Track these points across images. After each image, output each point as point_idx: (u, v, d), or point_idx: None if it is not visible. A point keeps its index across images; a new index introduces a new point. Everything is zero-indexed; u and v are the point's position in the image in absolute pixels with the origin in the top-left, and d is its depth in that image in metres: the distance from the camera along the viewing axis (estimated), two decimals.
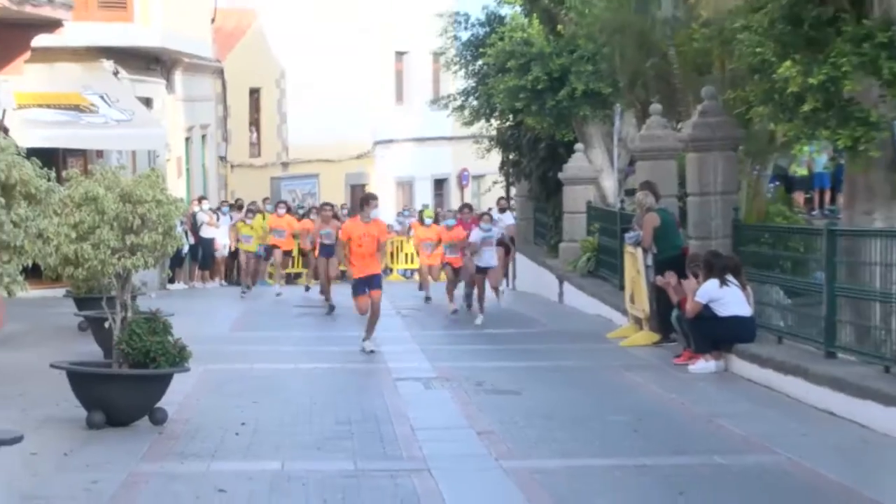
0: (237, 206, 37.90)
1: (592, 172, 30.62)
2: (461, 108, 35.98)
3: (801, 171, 30.23)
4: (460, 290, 27.55)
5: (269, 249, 32.87)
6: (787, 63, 17.75)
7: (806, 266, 17.82)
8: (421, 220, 35.25)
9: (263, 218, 33.85)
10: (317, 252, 28.95)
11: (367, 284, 20.16)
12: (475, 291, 26.27)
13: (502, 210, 32.32)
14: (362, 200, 22.00)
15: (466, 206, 31.86)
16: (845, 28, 17.53)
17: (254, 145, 49.61)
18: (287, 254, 30.87)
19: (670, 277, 18.77)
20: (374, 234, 20.31)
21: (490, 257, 25.20)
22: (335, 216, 29.63)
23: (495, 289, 26.21)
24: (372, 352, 19.42)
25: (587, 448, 12.56)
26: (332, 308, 27.51)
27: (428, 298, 31.00)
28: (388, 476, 11.17)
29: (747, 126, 20.54)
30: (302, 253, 31.27)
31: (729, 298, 17.15)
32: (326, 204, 30.56)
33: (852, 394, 13.96)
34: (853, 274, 15.80)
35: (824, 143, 19.25)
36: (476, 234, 25.25)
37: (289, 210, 31.98)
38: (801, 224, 24.42)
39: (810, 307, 16.41)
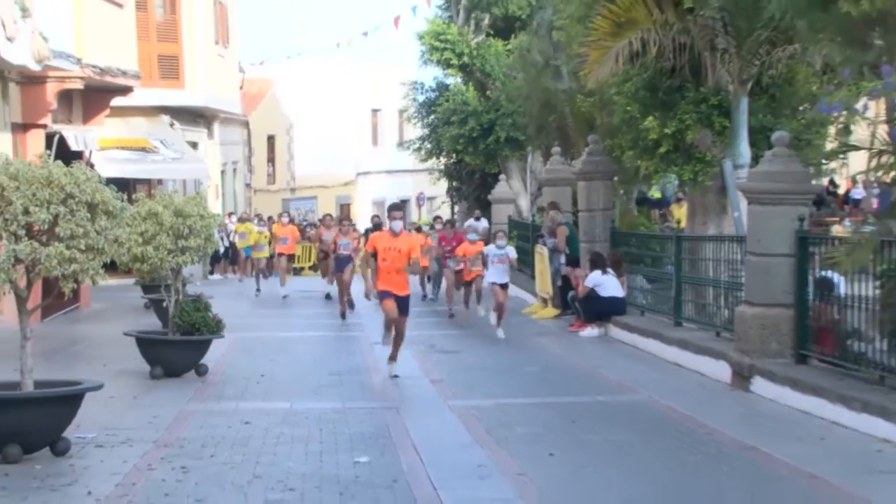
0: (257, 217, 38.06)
1: (512, 195, 30.65)
2: (419, 149, 36.02)
3: (657, 194, 30.46)
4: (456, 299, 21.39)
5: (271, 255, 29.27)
6: (648, 119, 17.99)
7: (661, 261, 18.14)
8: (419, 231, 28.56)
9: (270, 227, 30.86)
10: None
11: (392, 297, 13.87)
12: (470, 293, 20.36)
13: (477, 219, 27.84)
14: (388, 210, 15.95)
15: (448, 223, 26.48)
16: (688, 94, 17.83)
17: (270, 175, 49.60)
18: (290, 258, 27.36)
19: (576, 270, 19.18)
20: (401, 250, 13.99)
21: (502, 273, 18.93)
22: (376, 228, 23.96)
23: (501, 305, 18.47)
24: (396, 376, 13.67)
25: (509, 391, 12.72)
26: (328, 296, 23.76)
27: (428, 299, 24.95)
28: (367, 412, 11.36)
29: (620, 163, 20.75)
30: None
31: (608, 284, 17.55)
32: (327, 215, 25.94)
33: (693, 351, 14.22)
34: (693, 267, 16.08)
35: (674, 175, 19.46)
36: (490, 251, 19.36)
37: (291, 221, 29.53)
38: (657, 232, 24.67)
39: (664, 290, 16.69)
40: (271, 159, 50.04)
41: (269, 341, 16.99)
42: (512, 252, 19.78)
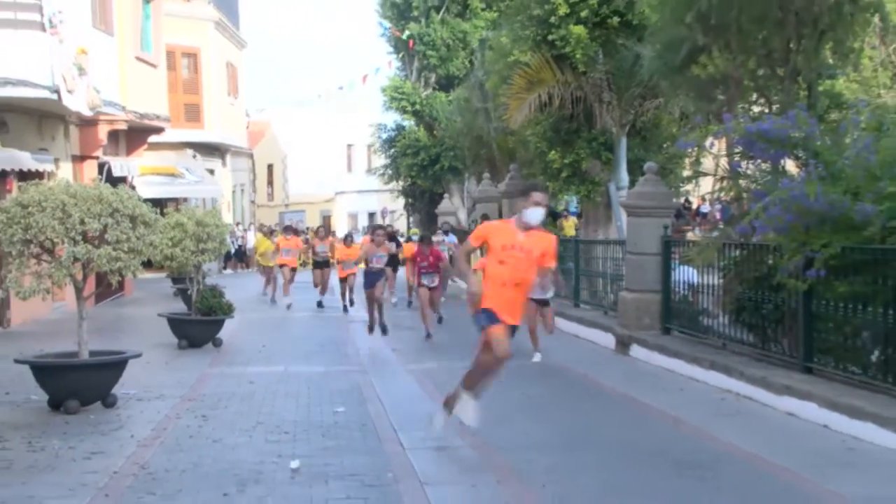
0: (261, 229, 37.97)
1: (453, 209, 30.69)
2: (383, 174, 35.89)
3: (561, 208, 30.62)
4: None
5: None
6: (553, 152, 18.17)
7: (564, 259, 18.09)
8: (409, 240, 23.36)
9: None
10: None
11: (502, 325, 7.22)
12: None
13: (446, 232, 22.51)
14: (524, 192, 7.60)
15: (424, 238, 17.48)
16: (582, 134, 18.06)
17: (269, 194, 49.87)
18: (293, 270, 21.47)
19: None
20: (531, 252, 7.25)
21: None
22: (391, 238, 19.66)
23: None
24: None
25: (452, 357, 12.26)
26: (320, 305, 19.88)
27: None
28: (343, 374, 11.32)
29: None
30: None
31: None
32: (379, 227, 19.96)
33: (587, 325, 14.37)
34: (588, 263, 16.19)
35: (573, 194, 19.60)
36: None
37: (296, 232, 23.64)
38: (561, 237, 24.80)
39: (567, 281, 16.77)
40: (270, 182, 50.57)
41: (268, 321, 16.91)
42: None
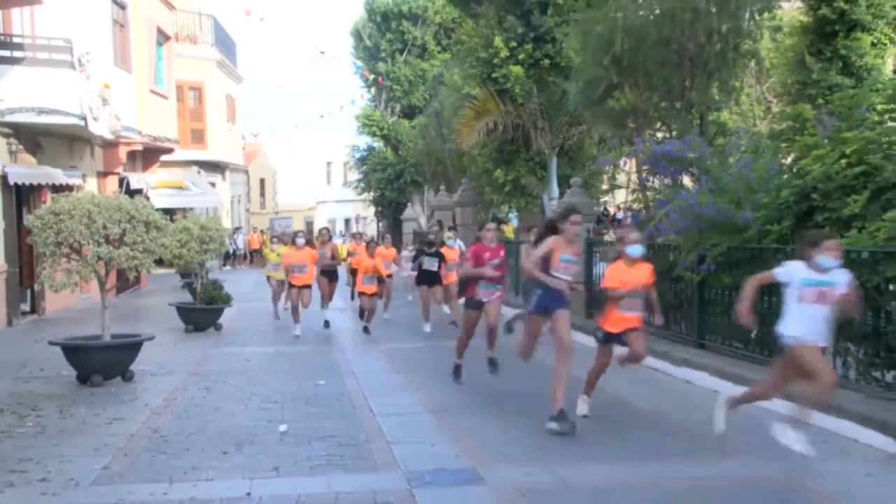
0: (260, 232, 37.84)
1: (415, 216, 30.64)
2: (356, 187, 35.75)
3: (502, 216, 30.63)
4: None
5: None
6: (498, 170, 18.19)
7: (508, 258, 18.11)
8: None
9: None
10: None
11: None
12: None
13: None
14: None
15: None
16: (522, 154, 18.09)
17: (261, 203, 49.36)
18: (307, 288, 13.28)
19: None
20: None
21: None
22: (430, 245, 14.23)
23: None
24: None
25: (411, 338, 12.58)
26: (327, 325, 13.63)
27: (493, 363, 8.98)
28: (324, 352, 11.21)
29: (482, 197, 20.91)
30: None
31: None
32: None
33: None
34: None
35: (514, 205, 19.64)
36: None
37: (308, 242, 13.99)
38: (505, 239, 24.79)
39: (510, 277, 16.73)
40: (262, 193, 50.10)
41: (262, 309, 16.64)
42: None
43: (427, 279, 13.40)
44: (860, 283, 6.76)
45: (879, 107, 8.27)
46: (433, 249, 13.82)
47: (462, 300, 9.22)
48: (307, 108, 72.82)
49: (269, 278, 15.75)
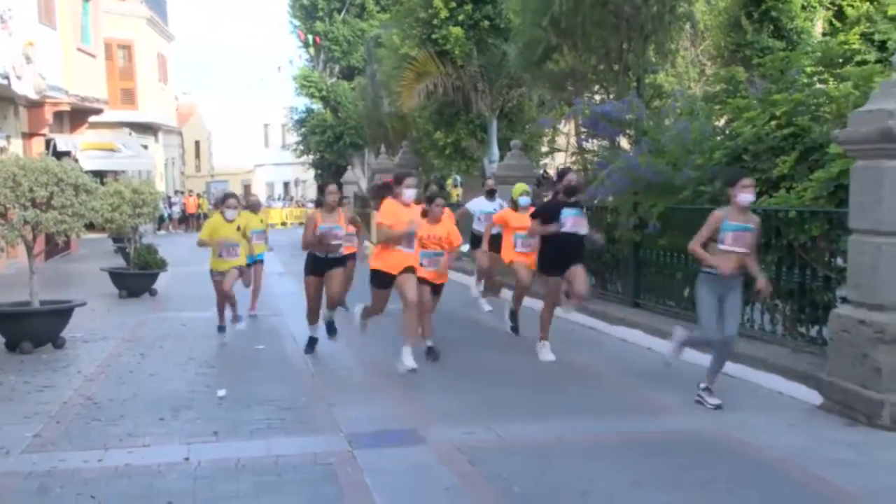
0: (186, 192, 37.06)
1: (356, 179, 30.37)
2: (295, 149, 35.19)
3: (449, 181, 30.56)
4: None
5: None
6: (438, 132, 18.09)
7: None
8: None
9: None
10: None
11: None
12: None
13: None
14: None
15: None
16: (462, 117, 17.99)
17: (197, 167, 48.23)
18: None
19: None
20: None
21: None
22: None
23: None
24: None
25: (357, 300, 12.47)
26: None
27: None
28: (263, 317, 11.01)
29: (423, 159, 20.79)
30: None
31: None
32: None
33: (469, 274, 14.45)
34: (468, 223, 16.15)
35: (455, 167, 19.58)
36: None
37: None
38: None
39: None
40: (198, 155, 48.94)
41: (198, 273, 16.30)
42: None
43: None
44: (787, 242, 7.01)
45: (808, 69, 8.48)
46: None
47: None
48: (243, 69, 70.99)
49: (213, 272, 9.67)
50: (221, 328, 9.71)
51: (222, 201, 9.74)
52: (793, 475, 4.69)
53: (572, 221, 7.66)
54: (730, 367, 7.13)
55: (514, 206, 9.17)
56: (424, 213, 7.77)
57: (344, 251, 8.46)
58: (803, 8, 15.56)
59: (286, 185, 51.77)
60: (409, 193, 7.45)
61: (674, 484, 4.54)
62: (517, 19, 13.99)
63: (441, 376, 7.38)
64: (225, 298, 9.56)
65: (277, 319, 10.86)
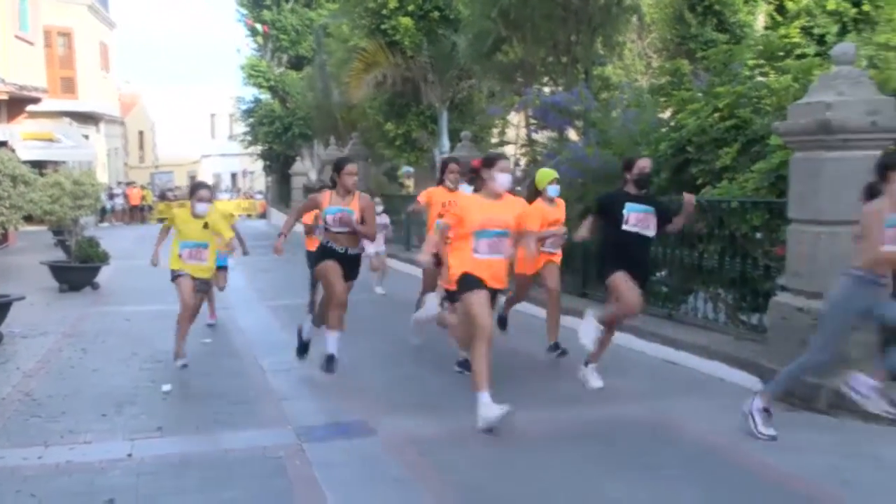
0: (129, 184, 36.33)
1: (304, 170, 30.10)
2: (243, 140, 34.71)
3: (401, 172, 30.46)
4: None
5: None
6: (388, 123, 18.03)
7: (398, 211, 18.02)
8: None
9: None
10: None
11: None
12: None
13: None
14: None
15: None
16: (412, 108, 17.96)
17: (140, 157, 47.26)
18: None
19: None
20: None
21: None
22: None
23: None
24: None
25: (293, 294, 12.20)
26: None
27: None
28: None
29: (373, 150, 20.69)
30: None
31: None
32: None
33: (410, 262, 14.44)
34: (418, 214, 16.13)
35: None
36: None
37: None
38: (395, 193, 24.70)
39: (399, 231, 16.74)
40: (141, 146, 47.97)
41: (142, 267, 15.97)
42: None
43: None
44: (730, 232, 7.16)
45: (750, 62, 8.66)
46: None
47: None
48: (189, 57, 69.73)
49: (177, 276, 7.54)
50: (184, 365, 7.14)
51: (192, 192, 7.49)
52: (735, 460, 4.81)
53: (636, 218, 6.15)
54: (672, 354, 7.30)
55: (534, 195, 7.07)
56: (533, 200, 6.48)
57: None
58: (745, 2, 15.91)
59: (234, 176, 51.05)
60: (503, 180, 5.55)
61: (620, 470, 4.62)
62: (467, 10, 14.03)
63: (392, 368, 7.38)
64: (192, 314, 7.31)
65: (226, 313, 10.68)
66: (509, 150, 19.04)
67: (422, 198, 7.92)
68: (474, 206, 5.57)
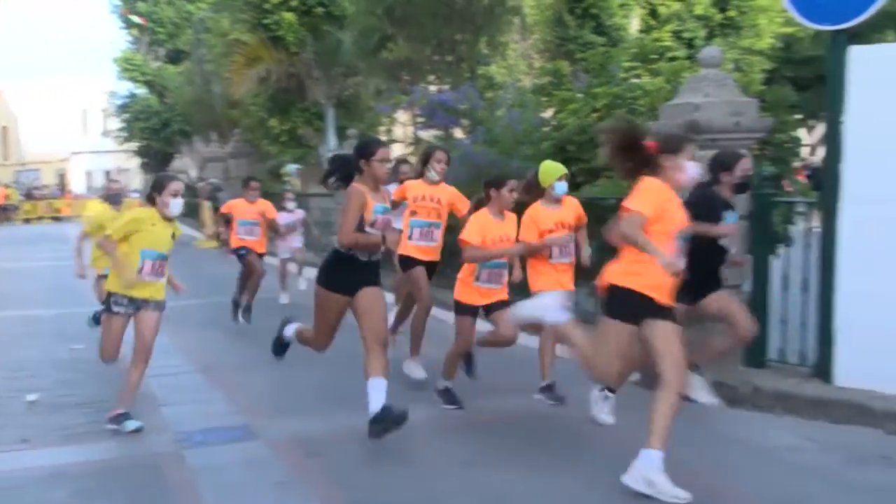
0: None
1: (185, 168, 29.28)
2: (118, 136, 33.30)
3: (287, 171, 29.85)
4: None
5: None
6: (273, 120, 17.73)
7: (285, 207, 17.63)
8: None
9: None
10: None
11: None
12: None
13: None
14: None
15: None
16: (298, 105, 17.78)
17: (4, 155, 44.71)
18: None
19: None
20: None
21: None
22: None
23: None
24: None
25: (174, 297, 11.97)
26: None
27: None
28: (81, 315, 9.91)
29: (257, 148, 20.20)
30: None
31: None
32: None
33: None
34: (309, 212, 15.89)
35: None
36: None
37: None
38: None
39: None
40: (4, 143, 45.21)
41: (7, 270, 15.13)
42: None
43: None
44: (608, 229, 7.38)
45: (626, 64, 9.02)
46: None
47: None
48: (57, 50, 66.19)
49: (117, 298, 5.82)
50: (135, 424, 5.40)
51: (158, 187, 5.53)
52: (620, 447, 4.98)
53: (732, 230, 5.13)
54: (560, 348, 7.48)
55: (536, 193, 5.72)
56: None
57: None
58: (620, 6, 16.55)
59: (107, 174, 48.90)
60: (693, 170, 4.13)
61: (506, 463, 4.70)
62: (352, 7, 13.95)
63: (274, 370, 7.23)
64: (113, 354, 5.75)
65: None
66: (396, 148, 19.06)
67: (396, 195, 6.29)
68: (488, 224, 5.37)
